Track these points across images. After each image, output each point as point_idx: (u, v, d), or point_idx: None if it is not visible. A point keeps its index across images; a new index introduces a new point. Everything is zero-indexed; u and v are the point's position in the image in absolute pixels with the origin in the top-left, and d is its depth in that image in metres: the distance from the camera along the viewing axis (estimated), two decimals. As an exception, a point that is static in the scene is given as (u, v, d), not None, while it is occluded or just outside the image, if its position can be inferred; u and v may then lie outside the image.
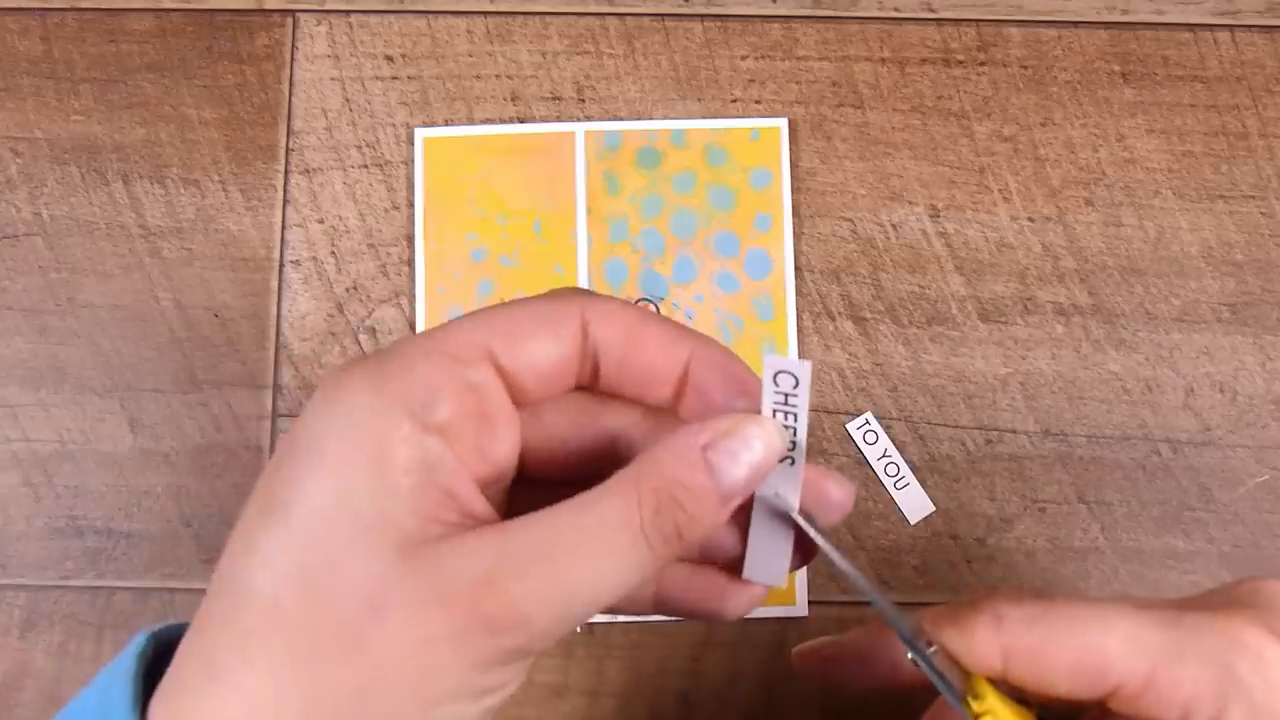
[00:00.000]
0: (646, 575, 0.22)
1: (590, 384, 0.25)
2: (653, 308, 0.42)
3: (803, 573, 0.41)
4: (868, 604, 0.41)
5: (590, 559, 0.21)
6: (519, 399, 0.24)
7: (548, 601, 0.21)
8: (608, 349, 0.24)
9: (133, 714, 0.21)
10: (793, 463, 0.24)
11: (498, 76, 0.44)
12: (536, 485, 0.25)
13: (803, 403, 0.23)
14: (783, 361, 0.23)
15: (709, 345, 0.25)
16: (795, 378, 0.22)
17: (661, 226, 0.42)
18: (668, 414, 0.25)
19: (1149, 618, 0.24)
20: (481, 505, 0.23)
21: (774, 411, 0.23)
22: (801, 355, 0.42)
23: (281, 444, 0.23)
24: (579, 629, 0.41)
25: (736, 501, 0.23)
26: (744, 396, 0.24)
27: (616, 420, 0.25)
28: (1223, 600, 0.25)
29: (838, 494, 0.24)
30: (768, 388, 0.23)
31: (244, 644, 0.21)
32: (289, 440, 0.22)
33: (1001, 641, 0.24)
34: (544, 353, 0.23)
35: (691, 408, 0.24)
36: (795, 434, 0.23)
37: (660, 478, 0.22)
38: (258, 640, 0.21)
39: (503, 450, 0.24)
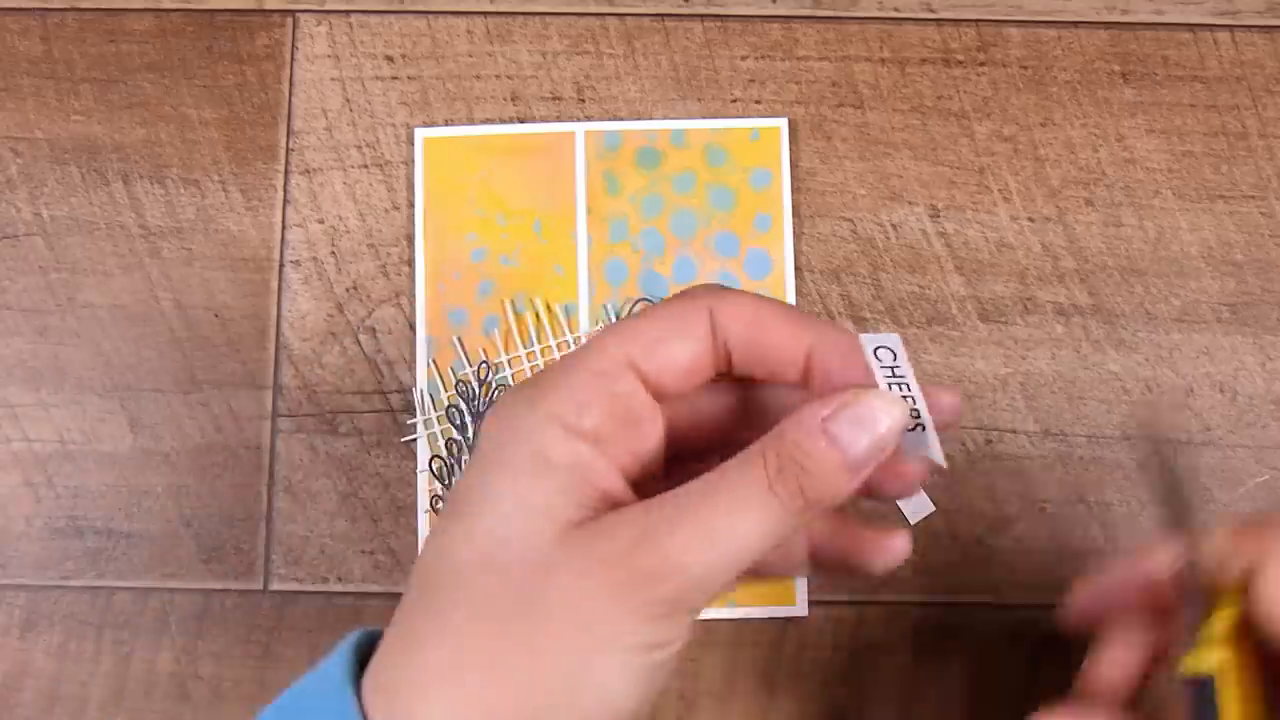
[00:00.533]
0: (782, 529, 0.25)
1: (727, 372, 0.28)
2: (653, 308, 0.42)
3: (803, 573, 0.41)
4: (869, 604, 0.41)
5: (728, 511, 0.24)
6: (664, 395, 0.27)
7: (697, 549, 0.24)
8: (736, 341, 0.27)
9: (348, 686, 0.25)
10: (923, 429, 0.26)
11: (498, 76, 0.44)
12: (692, 463, 0.28)
13: (907, 370, 0.25)
14: (876, 338, 0.24)
15: (828, 330, 0.27)
16: (892, 350, 0.24)
17: (661, 226, 0.42)
18: (802, 392, 0.27)
19: None
20: (630, 498, 0.26)
21: (888, 385, 0.25)
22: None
23: (466, 465, 0.26)
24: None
25: (864, 469, 0.25)
26: (862, 375, 0.26)
27: (754, 401, 0.28)
28: None
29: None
30: (872, 363, 0.25)
31: (437, 614, 0.25)
32: (470, 459, 0.27)
33: (1251, 557, 0.24)
34: (679, 354, 0.26)
35: (819, 387, 0.27)
36: (914, 401, 0.25)
37: (783, 442, 0.24)
38: (448, 608, 0.25)
39: (649, 445, 0.27)
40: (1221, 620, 0.24)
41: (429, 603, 0.25)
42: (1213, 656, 0.24)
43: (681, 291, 0.27)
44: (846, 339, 0.26)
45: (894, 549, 0.28)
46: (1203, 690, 0.24)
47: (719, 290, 0.27)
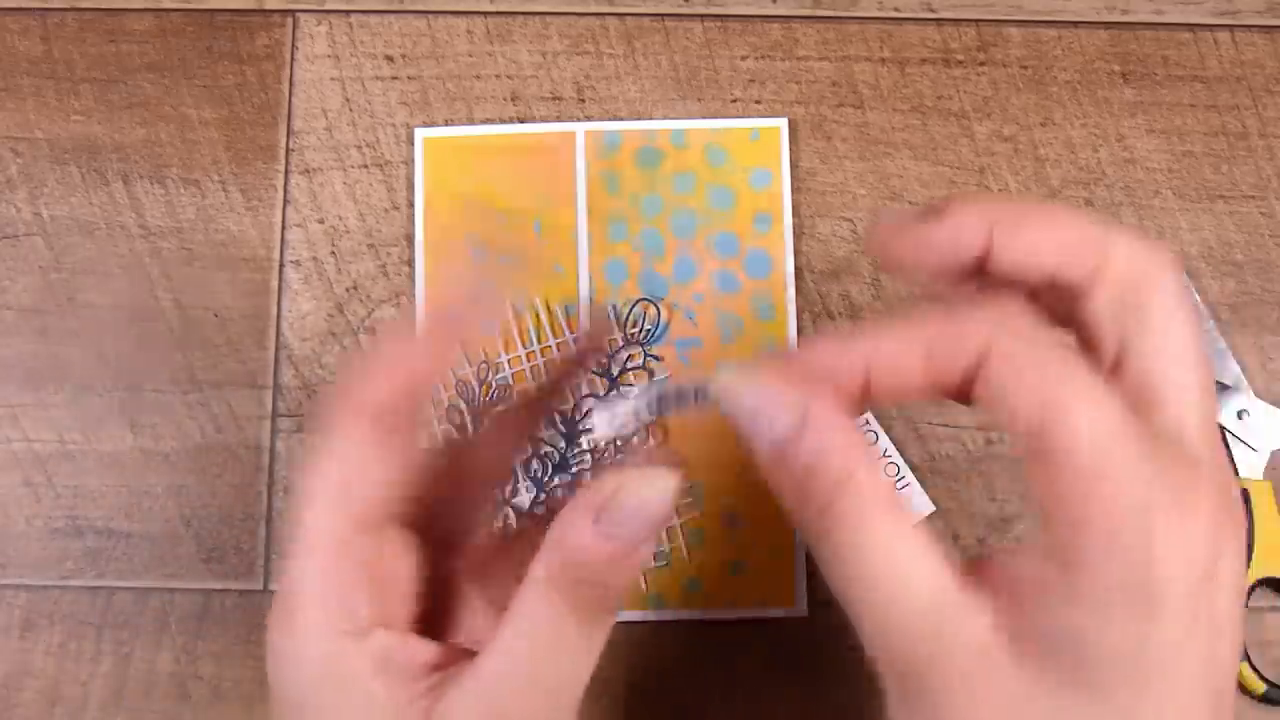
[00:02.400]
0: (600, 638, 0.25)
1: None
2: (653, 308, 0.42)
3: (803, 573, 0.41)
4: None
5: (551, 665, 0.24)
6: (399, 522, 0.26)
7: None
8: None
9: None
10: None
11: (498, 76, 0.44)
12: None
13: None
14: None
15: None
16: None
17: (661, 226, 0.42)
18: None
19: (1128, 429, 0.22)
20: (441, 655, 0.25)
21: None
22: (801, 355, 0.42)
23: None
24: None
25: (652, 543, 0.24)
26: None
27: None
28: (1185, 466, 0.23)
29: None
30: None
31: None
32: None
33: (989, 336, 0.23)
34: (379, 481, 0.25)
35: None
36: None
37: (566, 565, 0.24)
38: None
39: (416, 580, 0.26)
40: None
41: None
42: None
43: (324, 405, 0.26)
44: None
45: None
46: None
47: (345, 389, 0.26)
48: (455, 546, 0.29)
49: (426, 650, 0.25)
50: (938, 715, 0.23)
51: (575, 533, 0.24)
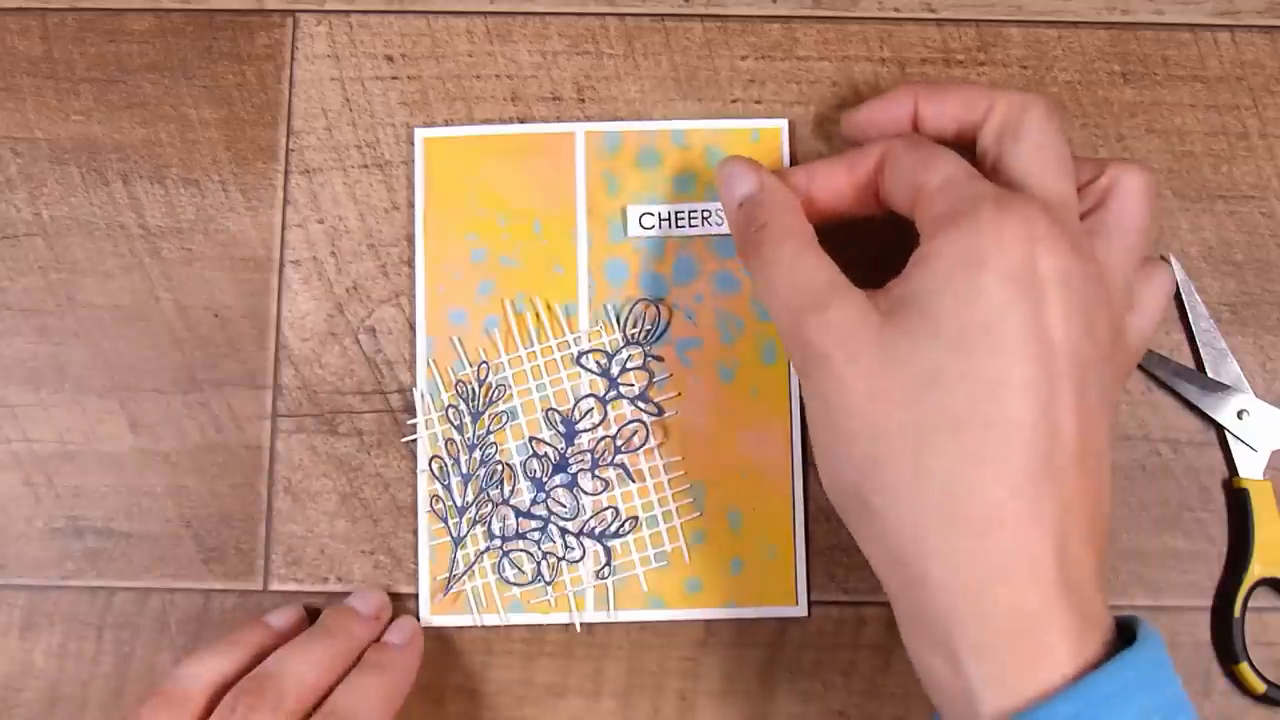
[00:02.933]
0: None
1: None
2: (653, 308, 0.42)
3: (803, 573, 0.41)
4: (869, 604, 0.41)
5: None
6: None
7: None
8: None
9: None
10: None
11: (498, 76, 0.44)
12: None
13: None
14: None
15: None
16: None
17: (661, 226, 0.42)
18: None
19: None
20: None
21: None
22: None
23: None
24: (578, 628, 0.41)
25: None
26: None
27: None
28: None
29: None
30: None
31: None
32: None
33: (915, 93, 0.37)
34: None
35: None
36: None
37: None
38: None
39: None
40: None
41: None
42: None
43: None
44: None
45: None
46: None
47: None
48: None
49: None
50: (826, 371, 0.31)
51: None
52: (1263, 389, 0.42)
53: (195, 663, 0.35)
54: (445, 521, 0.41)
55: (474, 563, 0.41)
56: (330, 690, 0.35)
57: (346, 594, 0.41)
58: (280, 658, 0.36)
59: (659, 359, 0.42)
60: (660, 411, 0.41)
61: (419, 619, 0.41)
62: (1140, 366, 0.41)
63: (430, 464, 0.41)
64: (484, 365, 0.42)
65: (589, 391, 0.42)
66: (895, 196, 0.34)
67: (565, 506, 0.41)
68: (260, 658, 0.36)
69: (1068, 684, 0.27)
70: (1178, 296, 0.42)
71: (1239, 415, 0.41)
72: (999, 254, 0.30)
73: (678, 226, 0.42)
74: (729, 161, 0.38)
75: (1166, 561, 0.41)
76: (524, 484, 0.41)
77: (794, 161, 0.43)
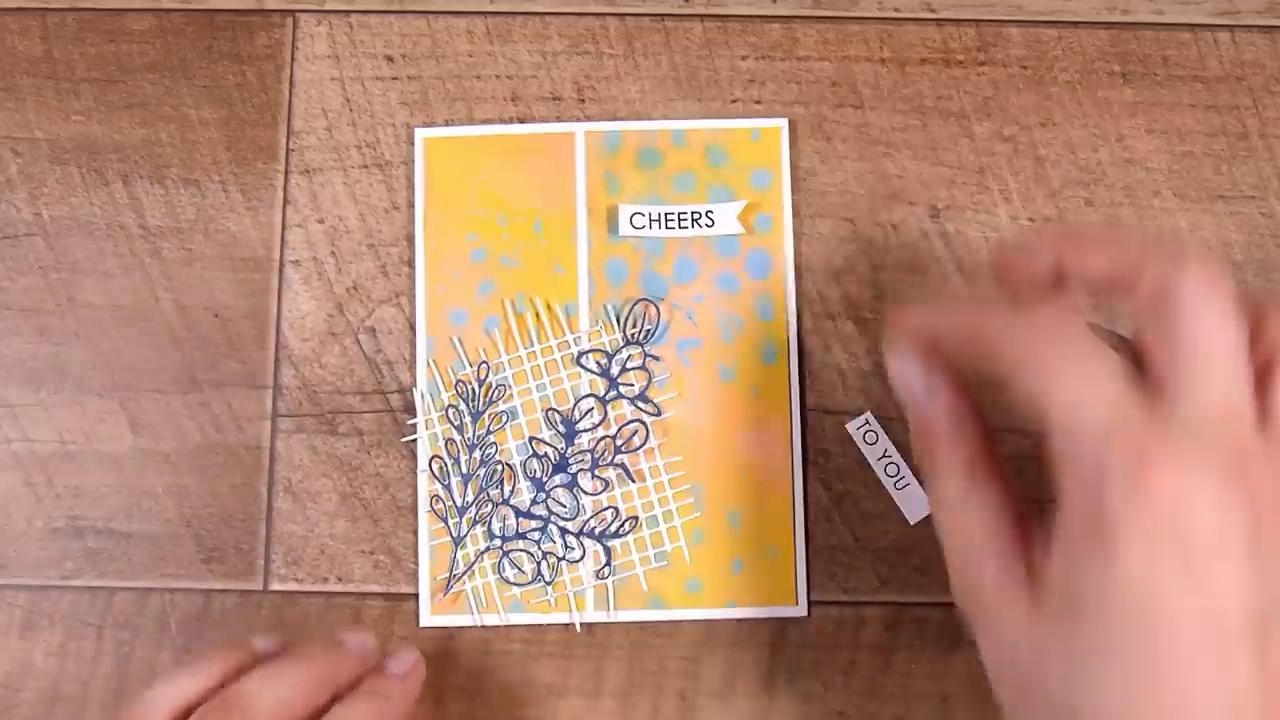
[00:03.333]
0: None
1: None
2: (653, 308, 0.42)
3: (803, 573, 0.41)
4: (869, 604, 0.41)
5: None
6: None
7: None
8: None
9: None
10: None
11: (498, 76, 0.44)
12: None
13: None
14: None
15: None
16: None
17: (661, 226, 0.42)
18: None
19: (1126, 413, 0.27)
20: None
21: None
22: (801, 355, 0.42)
23: None
24: (578, 628, 0.41)
25: None
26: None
27: None
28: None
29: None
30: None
31: None
32: None
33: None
34: None
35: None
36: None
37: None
38: None
39: None
40: None
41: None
42: None
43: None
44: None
45: None
46: None
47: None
48: None
49: None
50: (978, 634, 0.29)
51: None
52: (1263, 389, 0.42)
53: (164, 684, 0.34)
54: (445, 521, 0.41)
55: (474, 563, 0.41)
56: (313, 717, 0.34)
57: (347, 594, 0.41)
58: (252, 677, 0.34)
59: (658, 359, 0.42)
60: (660, 411, 0.41)
61: (419, 619, 0.41)
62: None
63: (430, 464, 0.41)
64: (484, 365, 0.42)
65: (589, 391, 0.42)
66: (1024, 401, 0.29)
67: (565, 506, 0.41)
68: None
69: None
70: None
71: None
72: (1130, 529, 0.25)
73: (668, 227, 0.42)
74: (894, 349, 0.33)
75: (1166, 561, 0.41)
76: (524, 484, 0.41)
77: (793, 161, 0.43)
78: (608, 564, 0.41)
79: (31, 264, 0.43)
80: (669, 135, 0.43)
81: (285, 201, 0.43)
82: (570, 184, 0.43)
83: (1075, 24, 0.44)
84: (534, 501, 0.41)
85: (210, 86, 0.44)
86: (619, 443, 0.41)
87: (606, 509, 0.41)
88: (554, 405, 0.42)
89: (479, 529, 0.41)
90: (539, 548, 0.41)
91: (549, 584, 0.41)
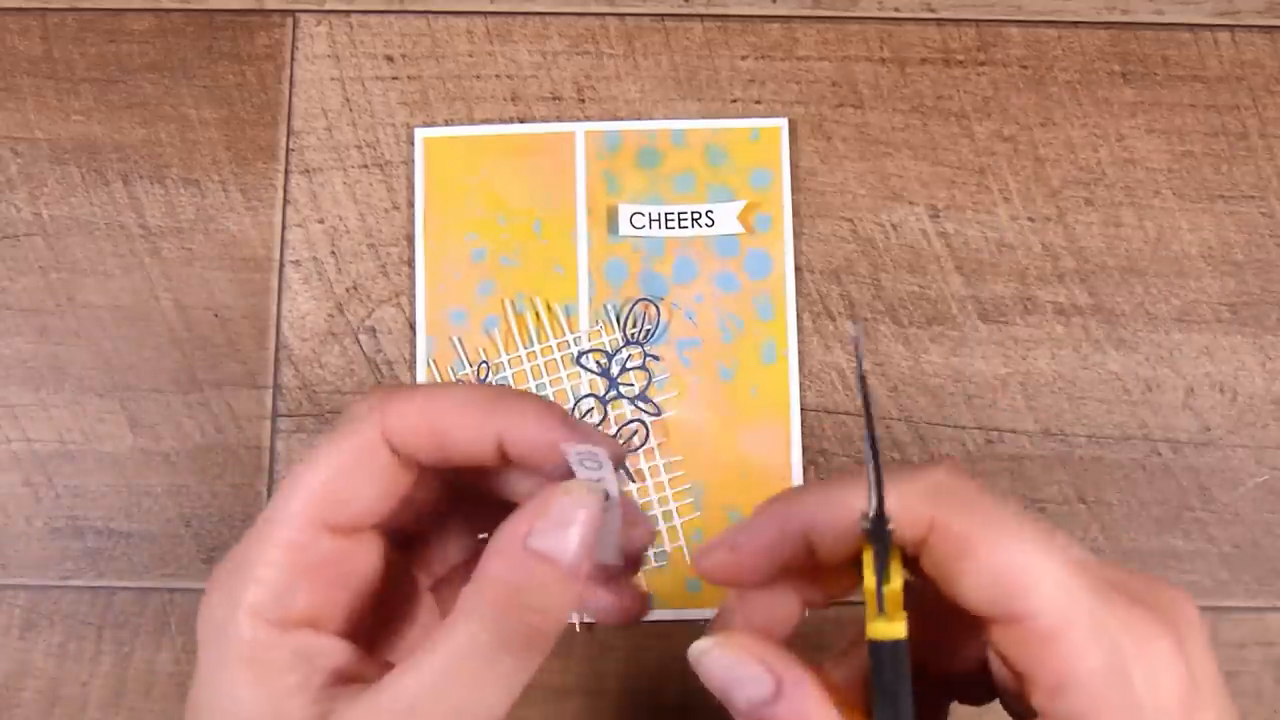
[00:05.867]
0: (522, 678, 0.23)
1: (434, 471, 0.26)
2: (653, 308, 0.42)
3: (803, 573, 0.41)
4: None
5: (458, 697, 0.23)
6: (368, 528, 0.26)
7: None
8: (418, 445, 0.25)
9: None
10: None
11: (498, 76, 0.44)
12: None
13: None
14: (581, 449, 0.24)
15: (515, 407, 0.25)
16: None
17: (661, 226, 0.42)
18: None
19: (1085, 576, 0.23)
20: (359, 665, 0.25)
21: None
22: (801, 355, 0.42)
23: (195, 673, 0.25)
24: (578, 628, 0.41)
25: (583, 566, 0.24)
26: (559, 460, 0.25)
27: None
28: (1145, 597, 0.24)
29: (640, 533, 0.27)
30: (578, 472, 0.24)
31: None
32: (196, 667, 0.25)
33: (933, 516, 0.23)
34: (365, 494, 0.25)
35: (523, 467, 0.25)
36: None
37: (497, 587, 0.23)
38: None
39: (369, 586, 0.26)
40: (896, 579, 0.24)
41: None
42: (902, 622, 0.23)
43: (345, 412, 0.26)
44: (535, 414, 0.25)
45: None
46: (894, 652, 0.23)
47: (385, 396, 0.25)
48: (432, 564, 0.29)
49: (352, 660, 0.25)
50: None
51: (508, 557, 0.23)
52: (1262, 389, 0.42)
53: None
54: (445, 521, 0.41)
55: (474, 563, 0.41)
56: None
57: (346, 594, 0.41)
58: None
59: (658, 359, 0.42)
60: (660, 411, 0.41)
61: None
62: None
63: (430, 464, 0.41)
64: (484, 365, 0.42)
65: (589, 391, 0.42)
66: (959, 589, 0.23)
67: (565, 506, 0.41)
68: None
69: None
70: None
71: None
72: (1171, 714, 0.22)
73: (667, 227, 0.42)
74: (722, 655, 0.27)
75: (1166, 561, 0.41)
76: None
77: (793, 161, 0.43)
78: (608, 564, 0.41)
79: (31, 264, 0.43)
80: (669, 135, 0.43)
81: (285, 201, 0.43)
82: (570, 184, 0.43)
83: (1075, 24, 0.44)
84: (534, 501, 0.41)
85: (210, 86, 0.44)
86: (619, 443, 0.41)
87: (606, 509, 0.41)
88: (554, 405, 0.41)
89: (479, 529, 0.41)
90: (539, 548, 0.41)
91: (549, 584, 0.41)
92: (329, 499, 0.24)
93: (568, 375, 0.42)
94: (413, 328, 0.42)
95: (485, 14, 0.44)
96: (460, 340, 0.42)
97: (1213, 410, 0.42)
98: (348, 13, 0.44)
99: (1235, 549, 0.41)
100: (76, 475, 0.42)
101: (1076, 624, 0.22)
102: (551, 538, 0.23)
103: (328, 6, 0.44)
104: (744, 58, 0.44)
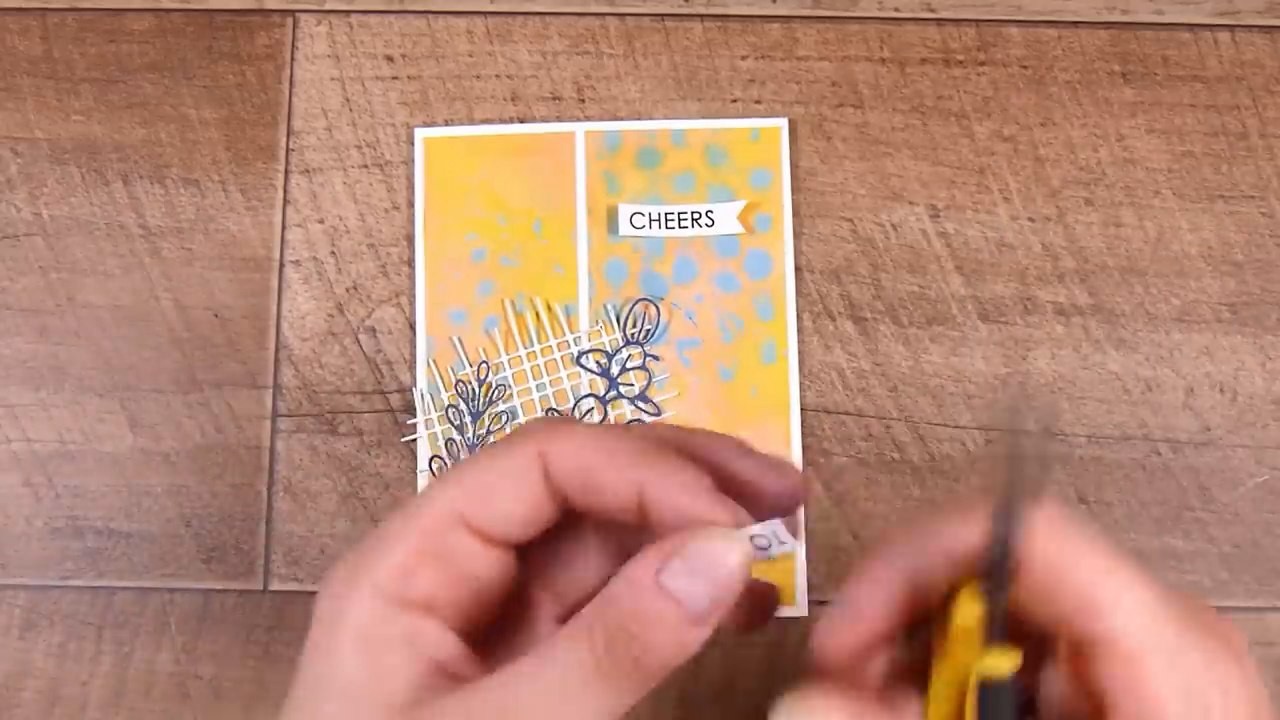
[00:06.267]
0: (618, 710, 0.23)
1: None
2: (653, 308, 0.42)
3: (803, 573, 0.41)
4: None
5: (546, 714, 0.22)
6: (502, 543, 0.25)
7: None
8: (568, 483, 0.25)
9: None
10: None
11: (498, 76, 0.44)
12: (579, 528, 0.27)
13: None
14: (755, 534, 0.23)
15: (663, 466, 0.25)
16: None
17: (661, 226, 0.42)
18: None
19: (1165, 600, 0.23)
20: (466, 663, 0.24)
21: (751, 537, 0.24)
22: (801, 355, 0.42)
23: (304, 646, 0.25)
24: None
25: (712, 617, 0.23)
26: (702, 511, 0.24)
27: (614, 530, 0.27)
28: (1213, 626, 0.24)
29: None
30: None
31: None
32: (306, 640, 0.25)
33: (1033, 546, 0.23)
34: (510, 504, 0.25)
35: (659, 529, 0.24)
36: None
37: (612, 611, 0.23)
38: None
39: (486, 598, 0.26)
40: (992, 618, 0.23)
41: None
42: (1008, 660, 0.23)
43: (514, 431, 0.26)
44: (682, 476, 0.24)
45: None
46: (1000, 693, 0.23)
47: (551, 428, 0.25)
48: (558, 583, 0.28)
49: (458, 656, 0.24)
50: None
51: (634, 585, 0.23)
52: (1263, 389, 0.42)
53: None
54: (445, 521, 0.41)
55: (474, 563, 0.41)
56: None
57: (346, 594, 0.41)
58: None
59: (658, 359, 0.42)
60: (660, 411, 0.41)
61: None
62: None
63: (430, 464, 0.41)
64: (484, 365, 0.42)
65: (589, 391, 0.42)
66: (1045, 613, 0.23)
67: (565, 506, 0.41)
68: None
69: None
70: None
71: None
72: None
73: (668, 227, 0.42)
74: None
75: (1166, 561, 0.41)
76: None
77: (793, 161, 0.43)
78: (608, 564, 0.41)
79: (31, 264, 0.43)
80: (669, 135, 0.43)
81: (285, 201, 0.43)
82: (570, 184, 0.43)
83: (1075, 24, 0.44)
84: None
85: (210, 86, 0.44)
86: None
87: (606, 509, 0.41)
88: (554, 405, 0.42)
89: (479, 529, 0.41)
90: (539, 548, 0.41)
91: (549, 584, 0.41)
92: (474, 497, 0.25)
93: (568, 375, 0.42)
94: (413, 328, 0.42)
95: (485, 14, 0.44)
96: (460, 340, 0.42)
97: (1213, 410, 0.42)
98: (348, 13, 0.44)
99: (1235, 549, 0.41)
100: (76, 475, 0.42)
101: (1159, 649, 0.22)
102: (686, 580, 0.23)
103: (328, 6, 0.44)
104: (744, 58, 0.44)
